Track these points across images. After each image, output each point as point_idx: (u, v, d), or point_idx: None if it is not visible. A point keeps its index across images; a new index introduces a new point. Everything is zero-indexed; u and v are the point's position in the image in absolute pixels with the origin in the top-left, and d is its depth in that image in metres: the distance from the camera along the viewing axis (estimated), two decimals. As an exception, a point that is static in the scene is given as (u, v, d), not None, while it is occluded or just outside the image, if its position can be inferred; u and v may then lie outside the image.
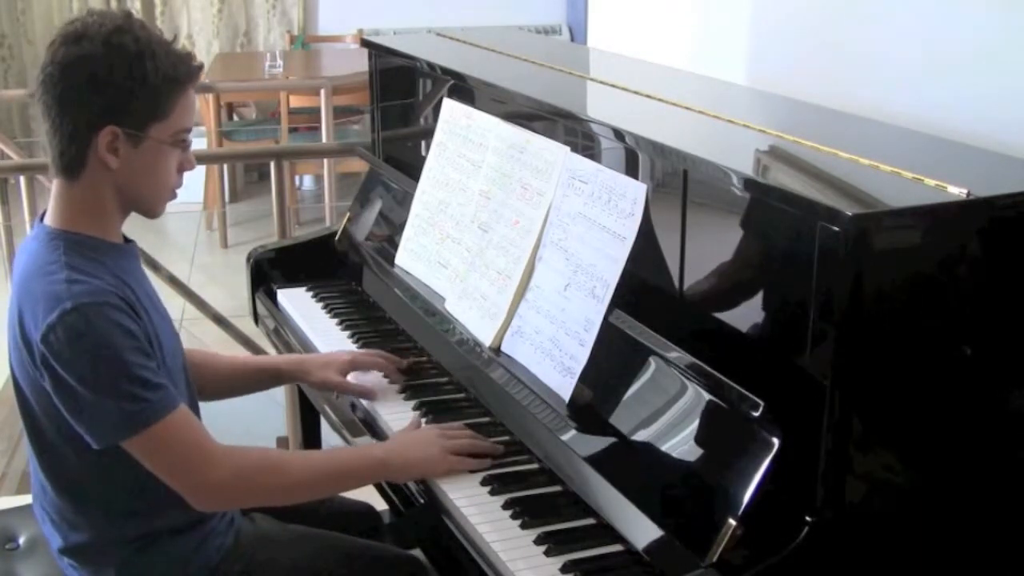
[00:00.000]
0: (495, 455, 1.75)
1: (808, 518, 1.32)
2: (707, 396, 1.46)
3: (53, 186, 1.64)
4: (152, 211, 1.68)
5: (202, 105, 5.69)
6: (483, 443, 1.76)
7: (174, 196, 1.69)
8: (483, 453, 1.74)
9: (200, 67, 1.66)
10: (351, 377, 2.01)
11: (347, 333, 2.27)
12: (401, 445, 1.75)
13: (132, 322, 1.56)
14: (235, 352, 3.47)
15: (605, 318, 1.65)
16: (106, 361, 1.52)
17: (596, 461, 1.57)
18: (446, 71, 2.33)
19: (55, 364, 1.52)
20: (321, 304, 2.42)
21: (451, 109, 2.18)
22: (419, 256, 2.18)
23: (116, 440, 1.55)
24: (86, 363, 1.52)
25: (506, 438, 1.80)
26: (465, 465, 1.71)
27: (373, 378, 2.03)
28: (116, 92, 1.56)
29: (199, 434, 1.60)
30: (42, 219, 1.66)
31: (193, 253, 5.67)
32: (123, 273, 1.63)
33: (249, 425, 3.33)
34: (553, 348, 1.73)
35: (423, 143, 2.44)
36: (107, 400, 1.52)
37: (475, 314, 1.92)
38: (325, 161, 5.35)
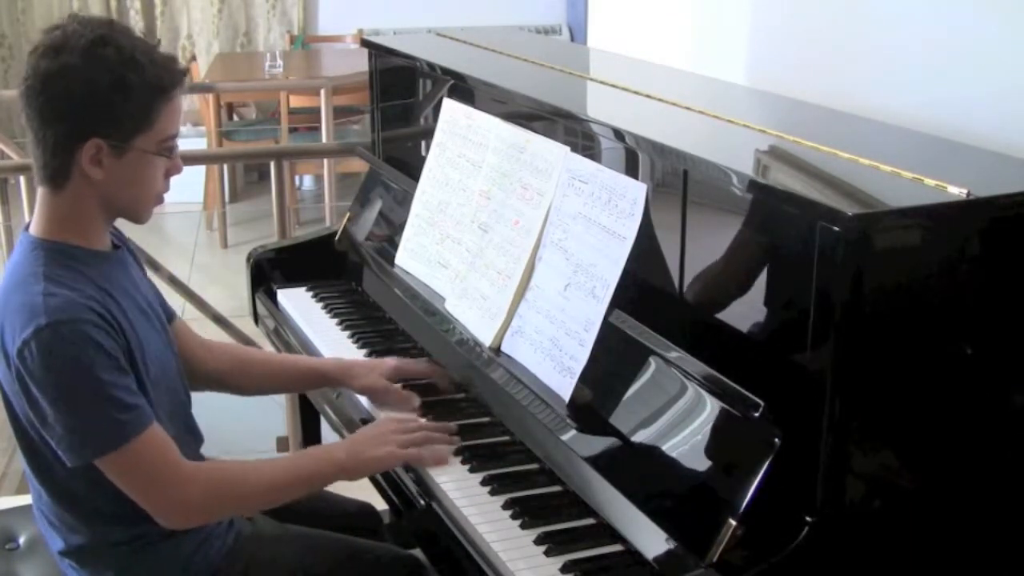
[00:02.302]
0: (451, 433, 1.79)
1: (808, 518, 1.32)
2: (707, 396, 1.46)
3: (38, 194, 1.62)
4: (138, 218, 1.66)
5: (202, 105, 5.70)
6: (437, 435, 1.77)
7: (160, 201, 1.66)
8: (441, 440, 1.76)
9: (186, 72, 1.62)
10: None
11: (347, 333, 2.27)
12: (359, 444, 1.74)
13: (108, 338, 1.53)
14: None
15: (605, 318, 1.65)
16: (79, 380, 1.50)
17: (596, 461, 1.57)
18: (446, 71, 2.33)
19: (28, 381, 1.51)
20: (321, 304, 2.42)
21: (451, 109, 2.18)
22: (419, 256, 2.18)
23: (87, 459, 1.53)
24: (58, 382, 1.50)
25: (506, 438, 1.81)
26: (419, 458, 1.72)
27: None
28: (98, 106, 1.52)
29: (169, 454, 1.58)
30: (28, 228, 1.64)
31: (193, 253, 5.67)
32: (106, 282, 1.60)
33: (249, 425, 3.33)
34: (553, 348, 1.73)
35: (423, 143, 2.43)
36: (78, 420, 1.51)
37: (475, 314, 1.92)
38: (325, 161, 5.35)
